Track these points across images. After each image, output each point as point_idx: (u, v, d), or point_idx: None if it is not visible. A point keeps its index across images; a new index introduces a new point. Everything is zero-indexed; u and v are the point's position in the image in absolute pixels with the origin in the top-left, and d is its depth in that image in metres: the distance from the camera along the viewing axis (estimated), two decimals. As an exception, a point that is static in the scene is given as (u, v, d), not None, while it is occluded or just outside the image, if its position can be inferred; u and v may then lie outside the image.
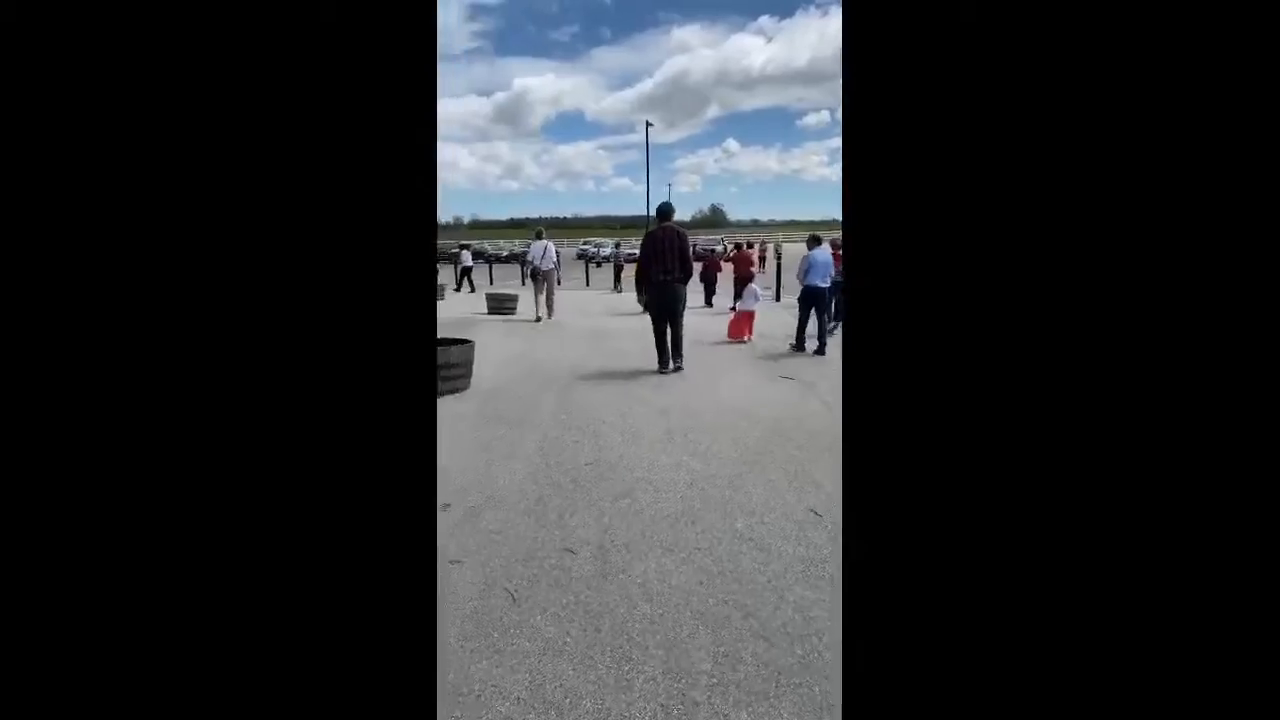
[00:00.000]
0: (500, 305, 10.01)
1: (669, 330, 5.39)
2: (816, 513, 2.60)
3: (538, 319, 9.00)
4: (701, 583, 2.09)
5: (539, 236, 9.78)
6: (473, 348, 4.91)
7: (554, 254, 9.49)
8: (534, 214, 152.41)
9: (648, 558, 2.26)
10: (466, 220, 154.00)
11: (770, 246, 22.40)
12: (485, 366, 5.33)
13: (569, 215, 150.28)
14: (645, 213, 28.91)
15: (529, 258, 9.77)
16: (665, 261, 5.22)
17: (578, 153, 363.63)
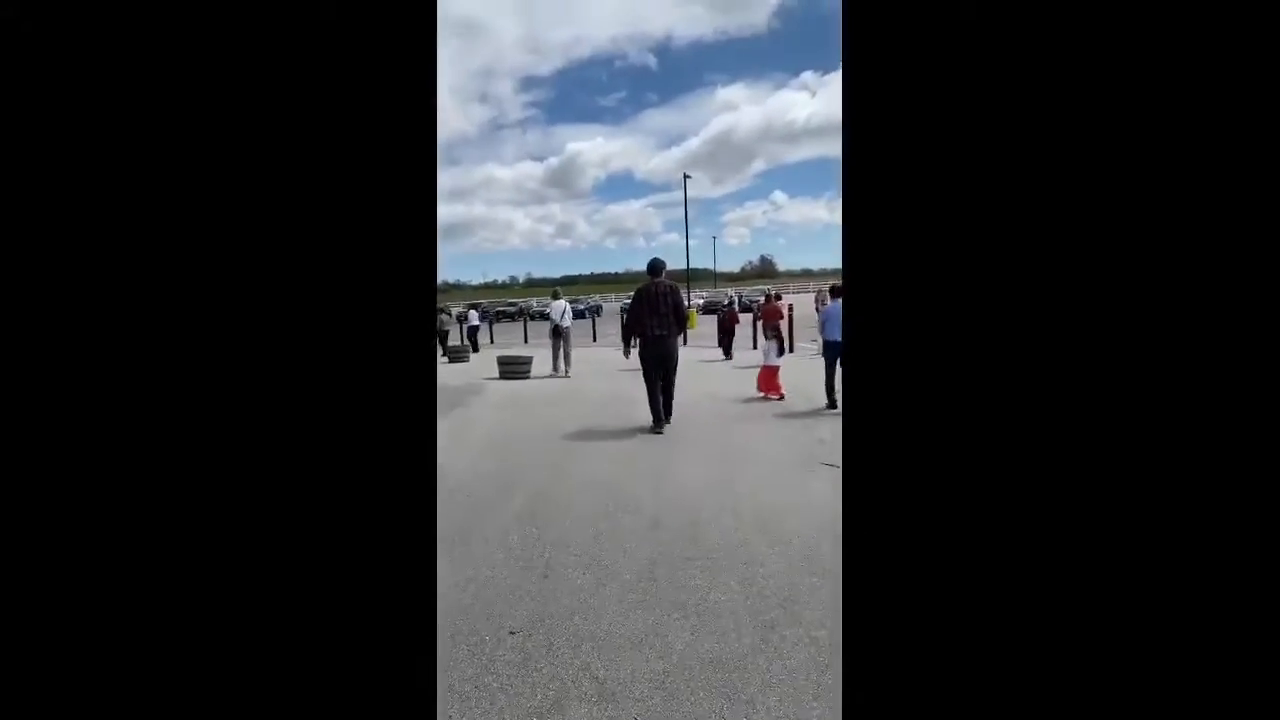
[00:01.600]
0: (513, 369, 9.27)
1: (662, 386, 5.24)
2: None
3: (555, 373, 9.28)
4: None
5: (556, 297, 10.14)
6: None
7: (570, 313, 9.78)
8: (586, 270, 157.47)
9: None
10: (522, 279, 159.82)
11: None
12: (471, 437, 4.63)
13: (620, 271, 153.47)
14: (685, 265, 29.29)
15: (550, 316, 9.81)
16: (659, 316, 5.14)
17: (627, 211, 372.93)
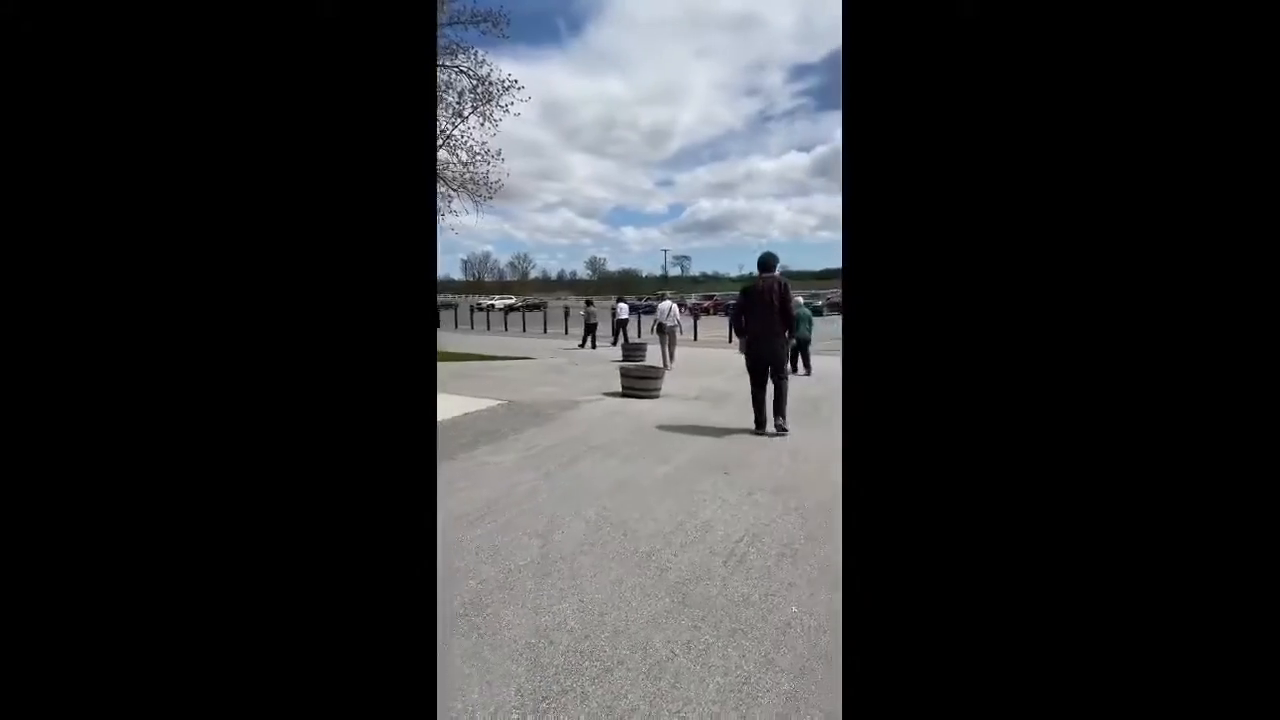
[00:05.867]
0: (640, 384, 8.40)
1: (770, 388, 5.04)
2: None
3: (664, 366, 9.65)
4: None
5: (662, 298, 11.13)
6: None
7: (676, 312, 10.45)
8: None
9: None
10: (778, 271, 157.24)
11: None
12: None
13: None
14: None
15: (656, 315, 10.66)
16: (764, 314, 4.91)
17: None
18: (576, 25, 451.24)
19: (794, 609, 2.32)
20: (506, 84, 10.40)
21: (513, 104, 10.57)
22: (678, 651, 2.02)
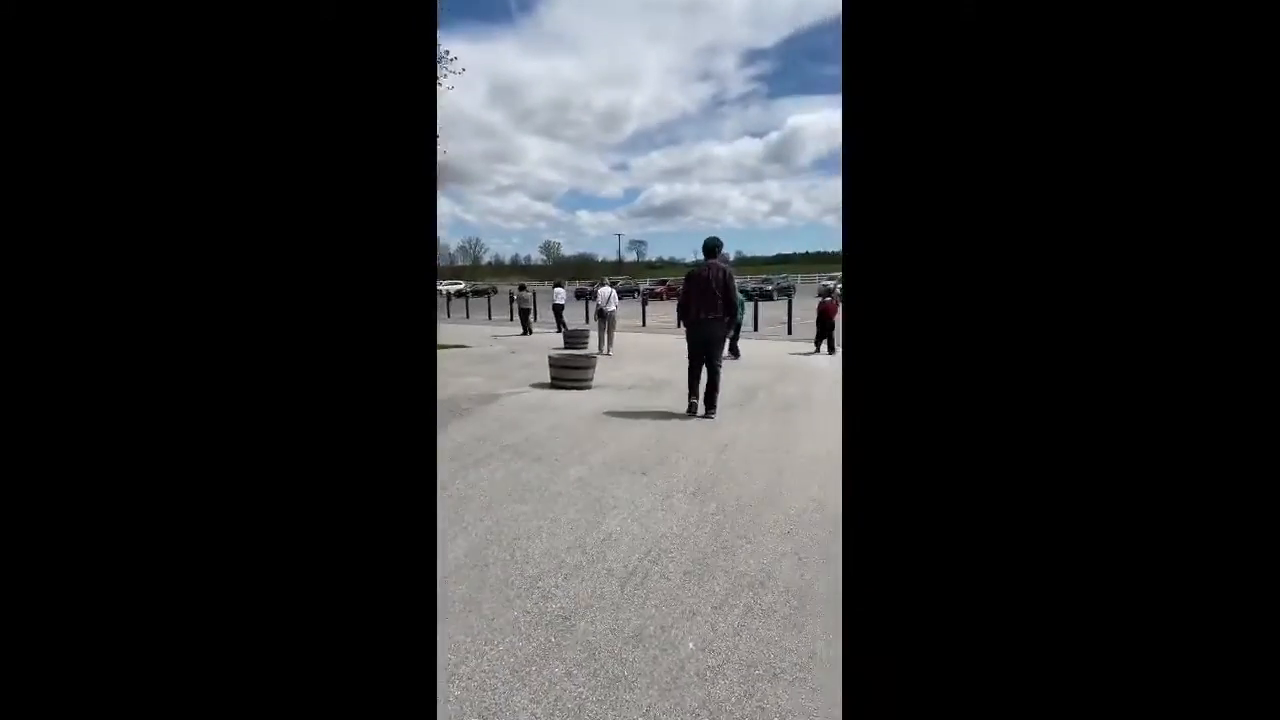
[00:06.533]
0: (570, 374, 7.70)
1: (704, 371, 5.10)
2: None
3: (601, 353, 9.69)
4: None
5: (604, 284, 11.08)
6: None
7: (616, 298, 10.41)
8: (800, 249, 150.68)
9: None
10: (733, 257, 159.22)
11: None
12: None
13: (836, 250, 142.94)
14: None
15: (596, 301, 10.48)
16: (707, 300, 4.93)
17: None
18: (527, 4, 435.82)
19: (691, 645, 1.97)
20: (439, 58, 9.82)
21: (446, 77, 9.98)
22: (539, 716, 1.64)
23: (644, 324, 16.19)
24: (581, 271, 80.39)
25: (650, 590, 2.31)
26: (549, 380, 6.89)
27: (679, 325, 5.36)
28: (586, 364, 6.80)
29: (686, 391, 5.34)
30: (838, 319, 9.46)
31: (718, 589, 2.32)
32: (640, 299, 21.11)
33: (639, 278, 58.04)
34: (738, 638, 2.01)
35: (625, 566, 2.50)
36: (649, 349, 10.51)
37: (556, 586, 2.33)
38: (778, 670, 1.85)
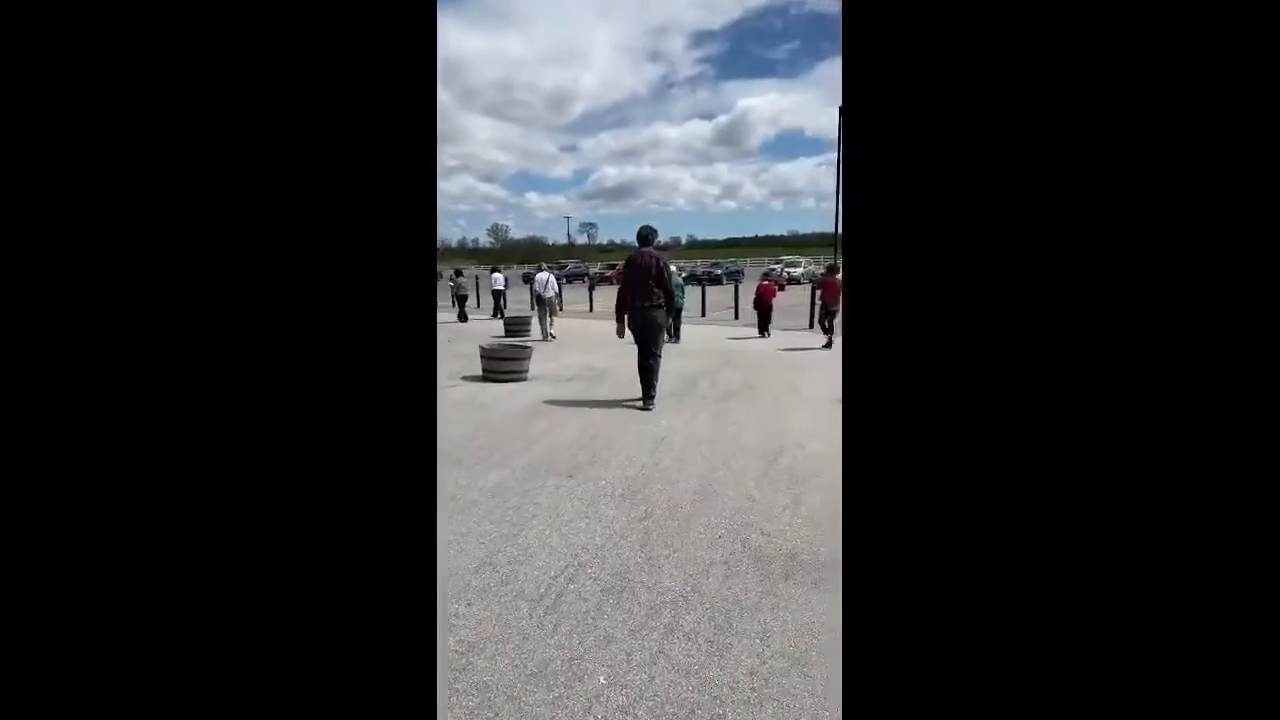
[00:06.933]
0: (501, 366, 7.48)
1: (650, 361, 5.04)
2: None
3: (545, 338, 9.73)
4: None
5: (541, 269, 11.12)
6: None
7: (555, 284, 10.46)
8: (749, 233, 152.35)
9: None
10: (684, 241, 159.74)
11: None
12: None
13: (785, 233, 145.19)
14: (835, 228, 27.26)
15: (534, 286, 10.39)
16: (645, 287, 4.89)
17: (797, 170, 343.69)
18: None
19: (602, 679, 1.77)
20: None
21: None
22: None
23: (591, 309, 15.86)
24: (531, 255, 78.77)
25: (562, 616, 2.09)
26: (481, 373, 6.54)
27: (617, 320, 5.21)
28: (521, 355, 6.47)
29: (626, 382, 5.22)
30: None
31: (637, 610, 2.13)
32: (588, 283, 20.76)
33: (590, 261, 57.08)
34: (654, 664, 1.82)
35: (538, 587, 2.27)
36: (593, 336, 10.23)
37: (458, 615, 2.09)
38: (694, 707, 1.66)
